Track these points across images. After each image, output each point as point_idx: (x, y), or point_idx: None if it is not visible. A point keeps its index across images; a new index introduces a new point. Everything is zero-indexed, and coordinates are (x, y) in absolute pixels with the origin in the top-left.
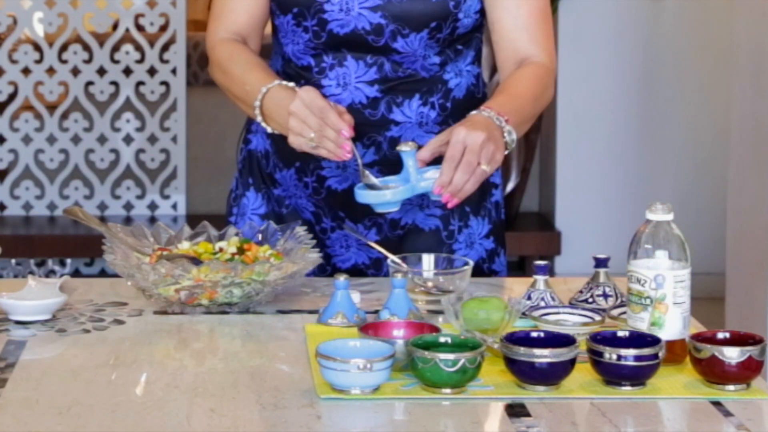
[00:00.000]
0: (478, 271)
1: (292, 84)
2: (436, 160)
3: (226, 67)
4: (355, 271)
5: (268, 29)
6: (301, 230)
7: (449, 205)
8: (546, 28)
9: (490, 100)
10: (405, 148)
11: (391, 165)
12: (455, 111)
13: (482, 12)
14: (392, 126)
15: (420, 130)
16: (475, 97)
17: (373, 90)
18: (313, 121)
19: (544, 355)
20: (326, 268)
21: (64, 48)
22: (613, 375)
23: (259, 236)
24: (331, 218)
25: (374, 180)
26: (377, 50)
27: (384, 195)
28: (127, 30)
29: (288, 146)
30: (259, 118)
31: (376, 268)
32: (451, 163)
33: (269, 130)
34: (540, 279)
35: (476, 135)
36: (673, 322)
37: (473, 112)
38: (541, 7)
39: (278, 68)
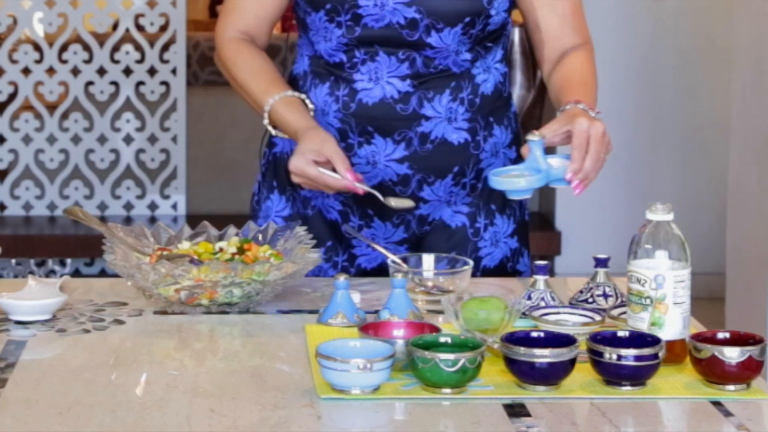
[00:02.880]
0: (501, 270)
1: (290, 93)
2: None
3: (231, 70)
4: (382, 271)
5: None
6: (301, 230)
7: (577, 192)
8: (583, 16)
9: (572, 92)
10: (533, 138)
11: (422, 160)
12: (483, 107)
13: (509, 11)
14: (423, 121)
15: (449, 126)
16: (502, 95)
17: (405, 85)
18: (316, 186)
19: (544, 355)
20: (350, 270)
21: (64, 48)
22: (613, 375)
23: (260, 236)
24: (359, 216)
25: (396, 204)
26: (410, 45)
27: (518, 182)
28: (127, 30)
29: None
30: (273, 132)
31: None
32: (580, 151)
33: (285, 136)
34: (540, 279)
35: (598, 126)
36: (673, 322)
37: (568, 106)
38: (579, 1)
39: (305, 68)
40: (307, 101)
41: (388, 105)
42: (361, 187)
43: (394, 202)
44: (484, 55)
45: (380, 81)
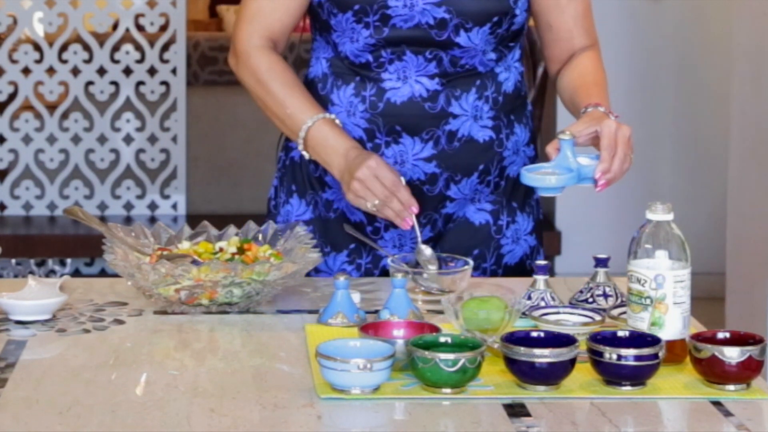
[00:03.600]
0: (521, 267)
1: (332, 116)
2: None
3: (264, 80)
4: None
5: None
6: (301, 230)
7: (599, 190)
8: (592, 18)
9: (590, 95)
10: (564, 137)
11: (449, 158)
12: (505, 105)
13: (528, 10)
14: (450, 119)
15: (475, 124)
16: (521, 94)
17: (434, 83)
18: (381, 191)
19: (544, 355)
20: (374, 272)
21: (64, 48)
22: (613, 375)
23: (260, 236)
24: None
25: (429, 254)
26: (437, 45)
27: (549, 180)
28: (127, 30)
29: None
30: (300, 147)
31: None
32: (610, 151)
33: (307, 157)
34: (540, 279)
35: (625, 129)
36: (673, 322)
37: (590, 109)
38: (589, 3)
39: (324, 70)
40: (339, 125)
41: (416, 103)
42: (414, 222)
43: (423, 257)
44: (506, 55)
45: (409, 80)
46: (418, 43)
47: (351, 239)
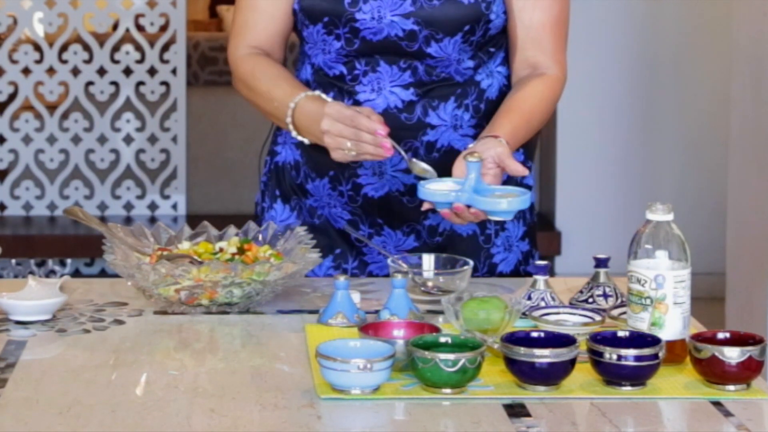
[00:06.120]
0: (515, 275)
1: (317, 92)
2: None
3: (251, 83)
4: None
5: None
6: (301, 230)
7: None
8: (557, 39)
9: (505, 121)
10: (472, 159)
11: None
12: (489, 112)
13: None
14: (428, 130)
15: (455, 133)
16: None
17: (409, 93)
18: (347, 131)
19: (544, 355)
20: (360, 278)
21: (64, 48)
22: (613, 375)
23: (260, 236)
24: (368, 225)
25: (424, 166)
26: (411, 55)
27: (449, 195)
28: (127, 30)
29: (320, 155)
30: (294, 133)
31: None
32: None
33: (306, 142)
34: (540, 279)
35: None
36: (673, 322)
37: (497, 139)
38: (555, 18)
39: (308, 77)
40: (329, 100)
41: (392, 115)
42: (391, 143)
43: (419, 167)
44: (486, 61)
45: (383, 91)
46: (391, 54)
47: (337, 244)
